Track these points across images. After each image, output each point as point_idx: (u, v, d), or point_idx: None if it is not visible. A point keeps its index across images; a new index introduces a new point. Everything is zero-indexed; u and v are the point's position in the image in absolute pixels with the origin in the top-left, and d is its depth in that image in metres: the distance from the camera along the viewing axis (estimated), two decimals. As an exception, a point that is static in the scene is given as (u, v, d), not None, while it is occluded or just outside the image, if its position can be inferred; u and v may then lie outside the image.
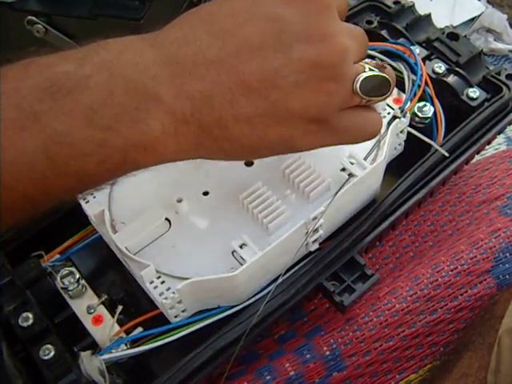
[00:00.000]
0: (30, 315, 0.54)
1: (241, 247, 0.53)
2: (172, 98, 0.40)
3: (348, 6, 0.51)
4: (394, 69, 0.67)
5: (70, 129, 0.38)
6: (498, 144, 0.79)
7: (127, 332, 0.55)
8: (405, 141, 0.65)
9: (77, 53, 0.41)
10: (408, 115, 0.62)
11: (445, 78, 0.69)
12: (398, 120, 0.60)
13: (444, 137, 0.65)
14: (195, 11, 0.45)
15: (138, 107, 0.39)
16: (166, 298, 0.52)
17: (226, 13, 0.43)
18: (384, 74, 0.48)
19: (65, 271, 0.57)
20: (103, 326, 0.56)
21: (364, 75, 0.46)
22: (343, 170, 0.57)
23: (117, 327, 0.55)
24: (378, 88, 0.48)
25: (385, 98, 0.49)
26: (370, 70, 0.47)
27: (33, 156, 0.37)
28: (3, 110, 0.37)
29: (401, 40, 0.71)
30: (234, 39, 0.42)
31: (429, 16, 0.75)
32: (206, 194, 0.58)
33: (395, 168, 0.64)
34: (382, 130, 0.59)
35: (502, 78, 0.69)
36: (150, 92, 0.40)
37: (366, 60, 0.50)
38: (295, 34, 0.43)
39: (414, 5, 0.75)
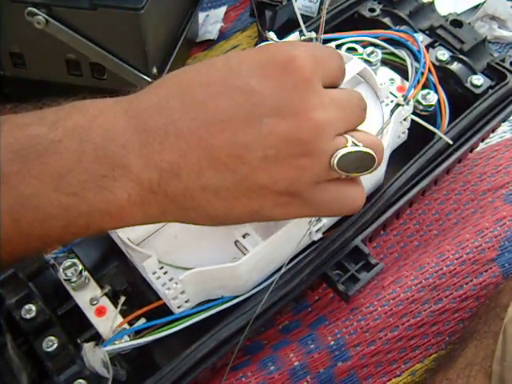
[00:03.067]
0: (33, 307, 0.54)
1: (243, 237, 0.53)
2: (140, 168, 0.40)
3: (342, 70, 0.48)
4: (397, 56, 0.66)
5: (37, 192, 0.38)
6: (503, 132, 0.78)
7: (130, 323, 0.55)
8: (408, 129, 0.64)
9: (52, 114, 0.41)
10: (411, 103, 0.61)
11: (448, 66, 0.68)
12: (401, 108, 0.60)
13: (448, 124, 0.64)
14: (174, 76, 0.45)
15: (105, 175, 0.40)
16: (168, 289, 0.52)
17: (202, 82, 0.43)
18: (367, 150, 0.45)
19: (67, 263, 0.57)
20: (106, 318, 0.55)
21: (342, 152, 0.44)
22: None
23: (120, 318, 0.55)
24: (358, 164, 0.45)
25: (368, 173, 0.47)
26: (354, 144, 0.44)
27: (0, 217, 0.38)
28: None
29: (404, 28, 0.71)
30: (206, 111, 0.42)
31: (432, 3, 0.74)
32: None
33: (399, 156, 0.64)
34: (386, 118, 0.59)
35: (507, 65, 0.68)
36: (119, 161, 0.40)
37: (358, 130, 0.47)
38: (267, 107, 0.42)
39: (416, -8, 0.75)
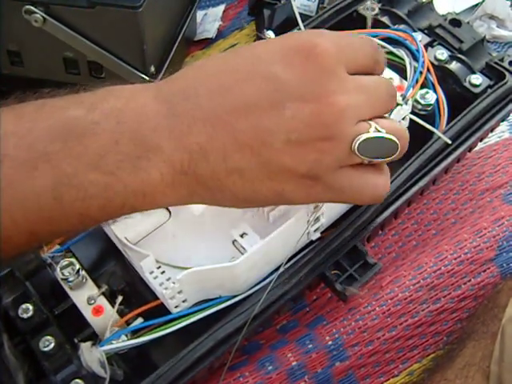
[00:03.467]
0: (30, 306, 0.54)
1: (241, 236, 0.53)
2: (171, 150, 0.42)
3: (374, 59, 0.49)
4: (396, 56, 0.66)
5: (78, 172, 0.40)
6: (502, 131, 0.78)
7: (128, 323, 0.55)
8: (407, 128, 0.64)
9: (88, 98, 0.42)
10: (410, 102, 0.61)
11: (447, 65, 0.68)
12: (399, 107, 0.59)
13: (447, 124, 0.64)
14: (201, 64, 0.46)
15: (139, 156, 0.41)
16: (166, 288, 0.52)
17: (228, 69, 0.45)
18: (390, 136, 0.46)
19: (64, 262, 0.57)
20: (103, 317, 0.55)
21: (363, 137, 0.44)
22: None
23: (117, 318, 0.55)
24: (380, 150, 0.46)
25: (391, 160, 0.48)
26: (377, 130, 0.45)
27: (41, 196, 0.39)
28: (17, 149, 0.39)
29: (402, 27, 0.71)
30: (232, 97, 0.43)
31: (431, 2, 0.74)
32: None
33: (397, 156, 0.63)
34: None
35: (505, 64, 0.68)
36: (151, 142, 0.41)
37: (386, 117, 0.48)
38: (289, 93, 0.43)
39: (415, -9, 0.75)
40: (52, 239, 0.46)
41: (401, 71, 0.66)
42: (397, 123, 0.48)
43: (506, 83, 0.66)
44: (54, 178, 0.39)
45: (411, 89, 0.62)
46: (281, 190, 0.45)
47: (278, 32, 0.64)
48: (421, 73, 0.64)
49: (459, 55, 0.68)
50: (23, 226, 0.40)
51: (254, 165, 0.43)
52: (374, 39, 0.65)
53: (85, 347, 0.52)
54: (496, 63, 0.68)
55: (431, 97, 0.65)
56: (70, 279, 0.56)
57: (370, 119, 0.46)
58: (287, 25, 0.80)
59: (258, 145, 0.43)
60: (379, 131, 0.45)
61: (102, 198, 0.41)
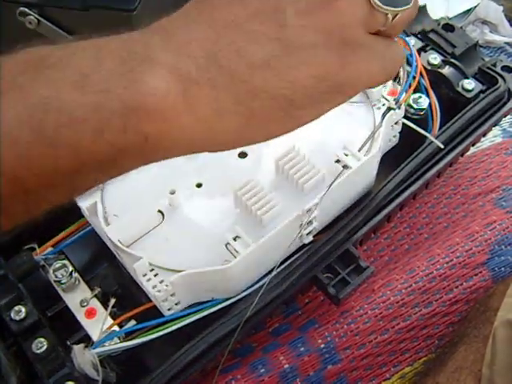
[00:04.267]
0: (23, 308, 0.54)
1: (234, 239, 0.53)
2: (171, 59, 0.36)
3: None
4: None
5: (58, 94, 0.33)
6: (494, 136, 0.78)
7: (120, 325, 0.55)
8: (400, 132, 0.65)
9: (65, 41, 0.37)
10: (403, 107, 0.61)
11: (440, 70, 0.68)
12: (392, 111, 0.60)
13: (439, 128, 0.65)
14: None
15: (131, 70, 0.35)
16: (159, 291, 0.52)
17: None
18: None
19: (57, 264, 0.57)
20: (96, 320, 0.55)
21: None
22: (338, 161, 0.56)
23: (110, 320, 0.55)
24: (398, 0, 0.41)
25: (410, 8, 0.42)
26: None
27: (15, 128, 0.32)
28: None
29: (396, 31, 0.71)
30: None
31: (424, 7, 0.74)
32: (199, 185, 0.58)
33: (390, 160, 0.64)
34: (377, 121, 0.59)
35: (498, 69, 0.69)
36: (144, 56, 0.36)
37: None
38: None
39: (409, -4, 0.75)
40: (42, 193, 0.35)
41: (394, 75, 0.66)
42: None
43: (498, 88, 0.66)
44: (27, 105, 0.33)
45: (404, 93, 0.62)
46: (324, 72, 0.39)
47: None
48: (414, 77, 0.64)
49: (452, 60, 0.69)
50: (3, 173, 0.32)
51: (278, 51, 0.38)
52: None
53: (77, 349, 0.51)
54: (489, 68, 0.68)
55: (424, 101, 0.65)
56: (63, 281, 0.56)
57: None
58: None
59: (271, 28, 0.38)
60: None
61: (95, 120, 0.34)
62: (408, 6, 0.42)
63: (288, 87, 0.38)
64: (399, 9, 0.41)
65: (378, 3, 0.40)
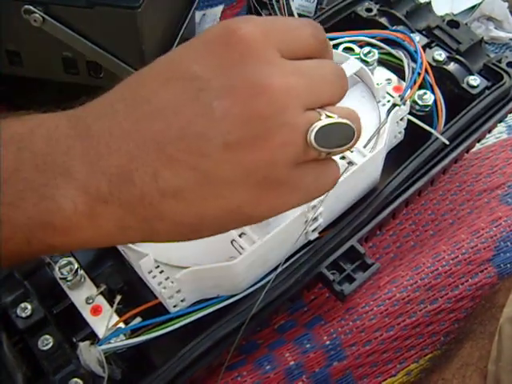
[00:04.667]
0: (29, 306, 0.54)
1: (240, 236, 0.53)
2: (85, 175, 0.36)
3: (317, 40, 0.42)
4: (394, 57, 0.66)
5: None
6: (499, 133, 0.78)
7: (126, 322, 0.55)
8: (405, 129, 0.64)
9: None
10: (408, 103, 0.61)
11: (445, 66, 0.68)
12: (397, 108, 0.60)
13: (444, 125, 0.64)
14: (119, 84, 0.41)
15: (46, 184, 0.36)
16: (164, 288, 0.52)
17: (144, 80, 0.40)
18: (345, 121, 0.40)
19: (63, 261, 0.57)
20: (102, 317, 0.55)
21: (319, 124, 0.38)
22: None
23: (115, 317, 0.55)
24: (338, 138, 0.40)
25: (348, 149, 0.41)
26: (328, 116, 0.39)
27: None
28: None
29: (401, 28, 0.71)
30: (150, 107, 0.38)
31: (429, 4, 0.74)
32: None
33: (395, 156, 0.64)
34: (382, 118, 0.59)
35: (503, 65, 0.68)
36: (61, 168, 0.36)
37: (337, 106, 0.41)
38: (214, 90, 0.37)
39: (413, -8, 0.75)
40: None
41: (399, 72, 0.66)
42: (344, 107, 0.42)
43: (503, 84, 0.66)
44: None
45: (409, 90, 0.62)
46: (236, 207, 0.39)
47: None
48: (419, 74, 0.64)
49: (457, 56, 0.68)
50: None
51: (192, 182, 0.37)
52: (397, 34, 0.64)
53: (83, 346, 0.51)
54: (494, 64, 0.68)
55: (429, 98, 0.65)
56: (69, 278, 0.56)
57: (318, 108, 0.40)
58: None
59: (190, 157, 0.37)
60: (331, 117, 0.39)
61: (2, 232, 0.35)
62: (349, 146, 0.41)
63: (196, 218, 0.39)
64: (336, 150, 0.40)
65: (315, 145, 0.38)
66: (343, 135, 0.40)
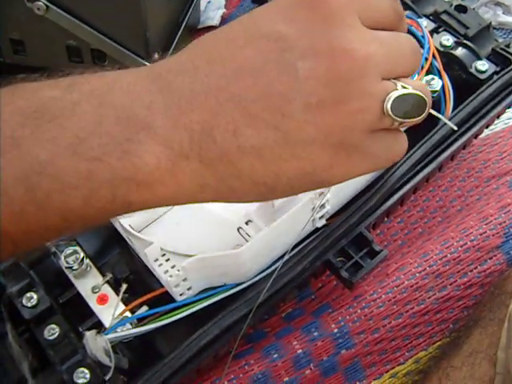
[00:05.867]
0: (34, 295, 0.54)
1: (246, 223, 0.53)
2: (168, 130, 0.37)
3: (395, 12, 0.42)
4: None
5: (53, 158, 0.35)
6: (508, 118, 0.77)
7: (132, 311, 0.55)
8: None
9: (66, 80, 0.38)
10: (415, 88, 0.61)
11: (453, 51, 0.67)
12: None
13: (452, 110, 0.64)
14: (197, 40, 0.41)
15: (129, 138, 0.36)
16: (170, 276, 0.52)
17: (226, 38, 0.40)
18: (419, 93, 0.40)
19: (69, 250, 0.57)
20: (108, 306, 0.55)
21: (396, 93, 0.39)
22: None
23: (122, 306, 0.55)
24: (412, 109, 0.40)
25: (419, 121, 0.42)
26: (403, 87, 0.40)
27: (11, 187, 0.34)
28: None
29: (408, 13, 0.70)
30: (234, 64, 0.38)
31: (436, -12, 0.74)
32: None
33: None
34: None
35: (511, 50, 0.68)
36: (143, 122, 0.36)
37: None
38: (299, 51, 0.37)
39: (420, -23, 0.74)
40: (31, 243, 0.38)
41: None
42: (417, 80, 0.43)
43: (512, 69, 0.65)
44: (24, 165, 0.34)
45: (416, 75, 0.61)
46: (311, 169, 0.39)
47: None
48: (426, 59, 0.64)
49: (465, 41, 0.68)
50: None
51: (272, 141, 0.37)
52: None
53: (90, 336, 0.51)
54: (502, 49, 0.67)
55: (437, 83, 0.64)
56: (75, 268, 0.56)
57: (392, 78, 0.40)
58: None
59: (273, 116, 0.37)
60: (406, 88, 0.40)
61: (86, 188, 0.35)
62: (420, 118, 0.41)
63: (272, 177, 0.39)
64: (410, 120, 0.41)
65: (391, 113, 0.39)
66: (416, 106, 0.41)
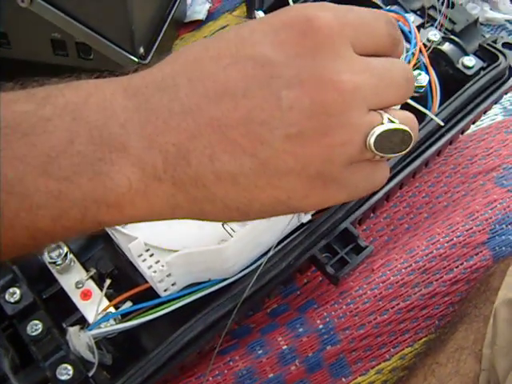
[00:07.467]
0: (17, 291, 0.53)
1: (231, 219, 0.52)
2: (142, 150, 0.36)
3: (392, 38, 0.42)
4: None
5: (23, 177, 0.34)
6: (495, 114, 0.77)
7: (116, 307, 0.54)
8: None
9: (41, 91, 0.37)
10: (402, 84, 0.60)
11: (440, 46, 0.67)
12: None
13: (439, 106, 0.63)
14: (180, 52, 0.40)
15: (101, 158, 0.35)
16: (154, 271, 0.51)
17: (211, 55, 0.38)
18: (406, 128, 0.39)
19: (52, 245, 0.56)
20: (92, 301, 0.55)
21: (380, 129, 0.38)
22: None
23: (106, 302, 0.55)
24: (395, 144, 0.40)
25: (402, 154, 0.41)
26: (390, 120, 0.39)
27: None
28: None
29: (395, 7, 0.70)
30: (216, 85, 0.37)
31: (424, -17, 0.73)
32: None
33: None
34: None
35: (499, 46, 0.67)
36: (117, 142, 0.36)
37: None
38: (285, 79, 0.36)
39: (408, -28, 0.74)
40: (2, 258, 0.38)
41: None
42: (405, 111, 0.42)
43: (499, 65, 0.65)
44: None
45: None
46: (286, 198, 0.39)
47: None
48: (413, 54, 0.63)
49: (452, 37, 0.67)
50: None
51: (248, 168, 0.37)
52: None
53: (73, 331, 0.51)
54: (489, 45, 0.67)
55: (424, 78, 0.64)
56: (58, 263, 0.56)
57: (380, 109, 0.40)
58: (278, 5, 0.80)
59: (251, 143, 0.36)
60: (393, 122, 0.39)
61: (55, 208, 0.35)
62: (403, 152, 0.41)
63: (246, 203, 0.39)
64: (391, 155, 0.40)
65: (373, 148, 0.38)
66: (400, 141, 0.40)
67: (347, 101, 0.37)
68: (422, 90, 0.64)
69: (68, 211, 0.36)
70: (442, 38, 0.68)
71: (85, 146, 0.35)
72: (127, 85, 0.38)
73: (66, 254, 0.56)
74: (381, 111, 0.39)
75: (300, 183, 0.38)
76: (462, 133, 0.66)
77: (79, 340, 0.51)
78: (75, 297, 0.55)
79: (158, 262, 0.52)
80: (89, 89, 0.37)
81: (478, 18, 0.70)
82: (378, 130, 0.38)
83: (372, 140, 0.38)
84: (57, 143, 0.35)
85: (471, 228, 0.63)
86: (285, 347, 0.57)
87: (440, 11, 0.70)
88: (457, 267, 0.61)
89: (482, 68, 0.66)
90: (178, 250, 0.51)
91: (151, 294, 0.54)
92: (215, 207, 0.39)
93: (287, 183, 0.38)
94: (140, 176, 0.36)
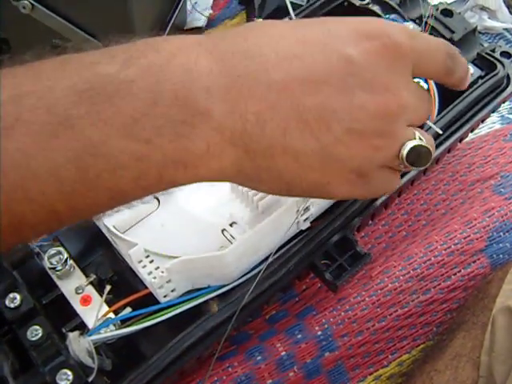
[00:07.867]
0: (18, 296, 0.53)
1: (231, 225, 0.53)
2: (223, 115, 0.37)
3: (439, 67, 0.47)
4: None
5: (107, 139, 0.35)
6: (492, 123, 0.78)
7: (116, 312, 0.54)
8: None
9: (122, 52, 0.37)
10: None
11: (438, 55, 0.67)
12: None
13: (437, 114, 0.64)
14: (263, 25, 0.42)
15: (184, 120, 0.36)
16: (154, 278, 0.51)
17: (298, 37, 0.40)
18: (430, 147, 0.44)
19: (52, 251, 0.56)
20: (91, 307, 0.55)
21: (413, 143, 0.43)
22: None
23: (105, 307, 0.55)
24: (419, 159, 0.44)
25: (418, 170, 0.47)
26: (419, 138, 0.44)
27: (62, 167, 0.34)
28: (33, 112, 0.33)
29: (394, 16, 0.70)
30: (302, 66, 0.39)
31: (423, -8, 0.74)
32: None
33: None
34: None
35: (497, 55, 0.68)
36: (200, 105, 0.36)
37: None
38: (361, 80, 0.40)
39: (407, -19, 0.74)
40: (76, 219, 0.38)
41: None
42: (427, 133, 0.47)
43: (497, 74, 0.66)
44: (77, 146, 0.34)
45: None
46: (326, 182, 0.42)
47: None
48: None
49: (450, 45, 0.68)
50: (40, 203, 0.34)
51: (310, 149, 0.40)
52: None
53: (73, 337, 0.51)
54: (487, 54, 0.68)
55: (422, 87, 0.64)
56: (58, 268, 0.56)
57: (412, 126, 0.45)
58: (278, 14, 0.80)
59: (320, 127, 0.39)
60: (422, 139, 0.44)
61: (136, 169, 0.36)
62: (422, 168, 0.46)
63: (296, 180, 0.42)
64: (413, 168, 0.45)
65: (404, 158, 0.43)
66: (424, 158, 0.45)
67: (400, 113, 0.42)
68: (420, 99, 0.64)
69: (147, 172, 0.36)
70: (441, 46, 0.68)
71: (168, 108, 0.36)
72: (212, 49, 0.38)
73: (66, 260, 0.56)
74: (413, 128, 0.44)
75: (342, 172, 0.42)
76: (460, 141, 0.67)
77: (79, 345, 0.51)
78: (75, 302, 0.55)
79: (157, 268, 0.52)
80: (171, 49, 0.37)
81: (476, 27, 0.70)
82: (410, 144, 0.43)
83: (405, 151, 0.43)
84: (140, 105, 0.35)
85: (469, 235, 0.63)
86: (283, 353, 0.57)
87: (439, 20, 0.71)
88: (455, 274, 0.62)
89: (480, 77, 0.67)
90: (178, 256, 0.51)
91: (151, 299, 0.54)
92: (271, 177, 0.41)
93: (333, 170, 0.42)
94: (218, 140, 0.37)
